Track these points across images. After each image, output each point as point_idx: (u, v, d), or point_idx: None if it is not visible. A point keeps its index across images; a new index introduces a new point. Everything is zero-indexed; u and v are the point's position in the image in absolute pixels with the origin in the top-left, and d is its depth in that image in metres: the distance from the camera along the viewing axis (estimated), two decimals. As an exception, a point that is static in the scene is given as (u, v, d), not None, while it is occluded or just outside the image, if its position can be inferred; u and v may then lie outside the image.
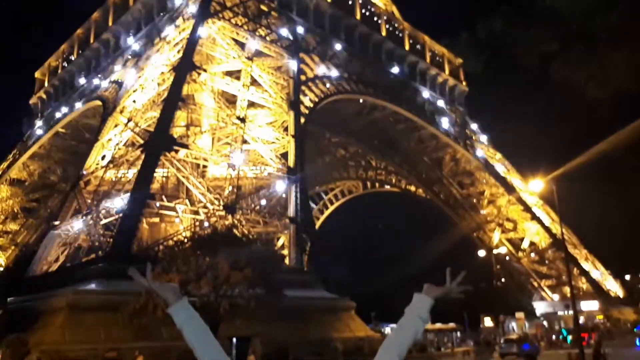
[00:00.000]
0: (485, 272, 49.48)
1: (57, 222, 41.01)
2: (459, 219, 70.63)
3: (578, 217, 57.88)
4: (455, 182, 70.58)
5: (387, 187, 77.37)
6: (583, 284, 66.03)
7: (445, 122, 66.59)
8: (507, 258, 68.03)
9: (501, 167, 70.73)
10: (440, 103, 69.08)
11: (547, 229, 66.56)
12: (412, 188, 74.07)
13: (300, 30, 53.41)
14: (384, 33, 63.22)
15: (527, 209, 67.45)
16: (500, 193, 67.88)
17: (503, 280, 64.35)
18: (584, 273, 67.31)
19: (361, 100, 59.42)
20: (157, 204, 42.36)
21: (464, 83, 74.35)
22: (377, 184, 78.34)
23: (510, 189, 67.71)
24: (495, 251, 56.91)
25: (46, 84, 68.97)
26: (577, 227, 68.46)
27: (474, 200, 70.59)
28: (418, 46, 68.42)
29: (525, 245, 68.87)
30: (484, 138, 72.73)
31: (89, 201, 39.67)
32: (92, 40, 61.39)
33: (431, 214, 73.63)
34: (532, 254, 68.57)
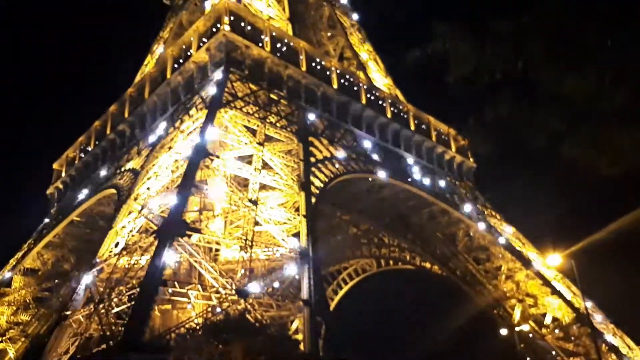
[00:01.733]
0: (509, 351, 47.30)
1: (68, 312, 40.55)
2: (477, 296, 68.68)
3: (601, 290, 56.12)
4: (470, 258, 69.48)
5: (402, 264, 76.25)
6: (613, 361, 62.56)
7: (455, 198, 66.88)
8: (531, 335, 65.20)
9: (515, 241, 69.85)
10: (450, 179, 69.79)
11: (569, 304, 64.32)
12: (427, 265, 72.90)
13: (309, 116, 55.53)
14: (389, 115, 65.44)
15: (547, 283, 65.66)
16: (518, 267, 66.45)
17: (528, 359, 61.25)
18: (613, 349, 64.02)
19: (370, 179, 60.29)
20: (170, 290, 41.94)
21: (471, 159, 75.52)
22: (391, 262, 77.28)
23: (527, 263, 66.37)
24: (517, 328, 54.70)
25: (63, 174, 71.12)
26: (600, 300, 66.12)
27: (491, 276, 69.04)
28: (423, 126, 70.43)
29: (547, 321, 66.27)
30: (495, 212, 72.53)
31: (102, 289, 39.44)
32: (108, 131, 64.09)
33: (448, 290, 71.86)
34: (557, 330, 65.70)
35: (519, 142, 9.23)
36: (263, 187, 47.24)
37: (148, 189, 46.54)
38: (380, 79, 74.37)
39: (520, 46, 8.25)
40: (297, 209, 47.41)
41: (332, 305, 76.70)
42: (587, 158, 8.87)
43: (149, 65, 69.15)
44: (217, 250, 48.31)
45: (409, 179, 62.07)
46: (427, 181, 64.77)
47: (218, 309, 37.88)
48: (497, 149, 9.64)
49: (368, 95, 64.49)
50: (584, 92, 8.08)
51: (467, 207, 67.45)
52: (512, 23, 8.20)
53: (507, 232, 70.30)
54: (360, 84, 64.67)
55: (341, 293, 79.34)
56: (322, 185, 50.36)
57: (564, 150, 8.89)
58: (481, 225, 66.60)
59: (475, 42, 8.37)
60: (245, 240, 41.34)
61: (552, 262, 24.38)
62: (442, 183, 67.21)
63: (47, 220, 67.20)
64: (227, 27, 51.97)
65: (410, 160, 65.38)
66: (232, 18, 53.13)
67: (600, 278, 50.48)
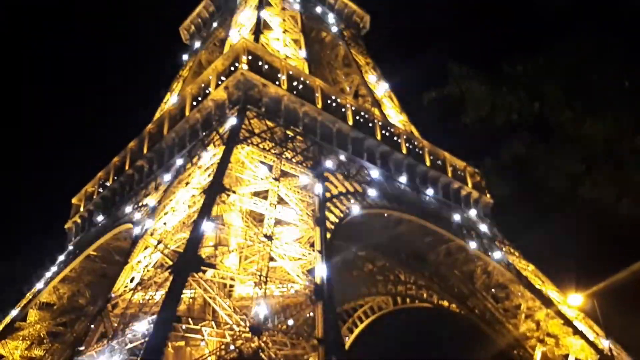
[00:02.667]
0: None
1: (82, 348, 40.33)
2: (496, 335, 66.78)
3: (625, 331, 54.10)
4: (489, 296, 67.93)
5: (419, 302, 74.79)
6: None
7: (473, 235, 66.01)
8: (554, 378, 62.82)
9: (535, 278, 68.28)
10: (466, 216, 69.10)
11: (593, 344, 62.09)
12: (445, 303, 71.39)
13: (324, 151, 55.99)
14: (404, 151, 65.62)
15: (568, 323, 63.66)
16: (538, 306, 64.67)
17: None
18: (642, 394, 61.23)
19: (386, 215, 59.99)
20: (183, 327, 41.59)
21: (488, 195, 74.90)
22: (407, 300, 75.90)
23: (547, 301, 64.62)
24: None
25: (82, 209, 72.12)
26: (624, 341, 63.70)
27: (511, 315, 67.23)
28: (439, 162, 70.36)
29: (571, 363, 63.89)
30: (514, 250, 71.27)
31: (116, 325, 39.29)
32: (127, 167, 65.21)
33: (467, 329, 70.01)
34: (580, 373, 63.27)
35: (537, 182, 9.19)
36: (278, 222, 47.25)
37: (164, 223, 46.86)
38: (395, 116, 74.97)
39: (536, 88, 8.31)
40: (312, 245, 47.15)
41: (348, 344, 75.08)
42: (608, 198, 8.77)
43: (168, 103, 70.84)
44: (231, 286, 48.05)
45: (425, 215, 61.59)
46: (443, 217, 64.20)
47: (231, 347, 37.36)
48: (515, 189, 9.59)
49: (383, 132, 64.92)
50: (602, 135, 8.08)
51: (485, 244, 66.43)
52: (528, 64, 8.30)
53: (527, 269, 68.83)
54: (375, 120, 65.25)
55: (357, 331, 77.79)
56: (337, 220, 50.20)
57: (583, 190, 8.81)
58: (500, 263, 65.38)
59: (491, 83, 8.46)
60: (260, 276, 41.09)
61: (573, 301, 23.73)
62: (459, 219, 66.53)
63: (64, 254, 67.80)
64: (245, 66, 53.25)
65: (426, 196, 65.06)
66: (250, 57, 54.52)
67: (624, 319, 48.81)
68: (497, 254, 66.68)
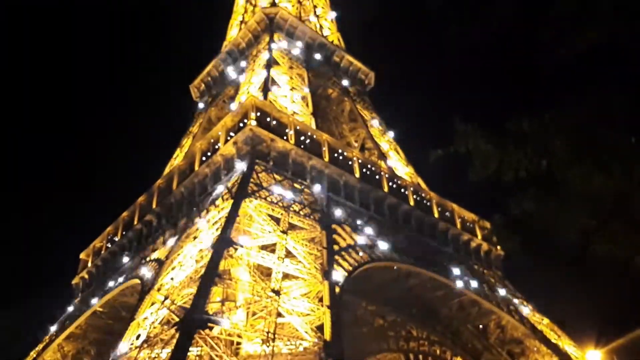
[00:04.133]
0: None
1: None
2: (514, 395, 63.91)
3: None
4: (504, 352, 65.55)
5: (431, 359, 72.18)
6: None
7: (485, 287, 64.62)
8: None
9: (551, 333, 66.08)
10: (477, 268, 67.95)
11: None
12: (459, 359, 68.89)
13: (331, 204, 56.05)
14: (412, 203, 65.53)
15: (589, 380, 60.90)
16: (555, 363, 62.23)
17: None
18: None
19: (395, 268, 59.09)
20: (189, 387, 40.26)
21: (498, 247, 73.87)
22: (420, 356, 73.25)
23: (565, 357, 62.22)
24: None
25: (89, 264, 71.80)
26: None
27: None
28: (447, 213, 70.01)
29: None
30: (527, 303, 69.46)
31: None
32: (135, 222, 65.39)
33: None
34: None
35: (548, 238, 9.11)
36: (286, 276, 46.67)
37: (172, 279, 46.42)
38: (402, 168, 75.44)
39: (543, 145, 8.41)
40: (321, 299, 46.26)
41: (358, 403, 71.96)
42: (621, 254, 8.65)
43: (177, 158, 71.94)
44: (238, 343, 46.85)
45: (435, 268, 60.65)
46: (454, 270, 63.15)
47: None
48: (526, 244, 9.50)
49: (390, 184, 65.14)
50: (612, 191, 8.08)
51: (498, 297, 64.88)
52: (534, 122, 8.42)
53: (541, 323, 66.76)
54: (382, 173, 65.63)
55: (368, 390, 74.68)
56: (346, 274, 49.47)
57: (596, 247, 8.71)
58: (513, 317, 63.56)
59: (497, 141, 8.58)
60: (268, 333, 40.16)
61: (592, 358, 22.86)
62: (469, 272, 65.36)
63: (70, 310, 66.89)
64: (253, 122, 54.40)
65: (435, 248, 64.32)
66: (258, 114, 55.80)
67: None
68: (511, 308, 64.94)
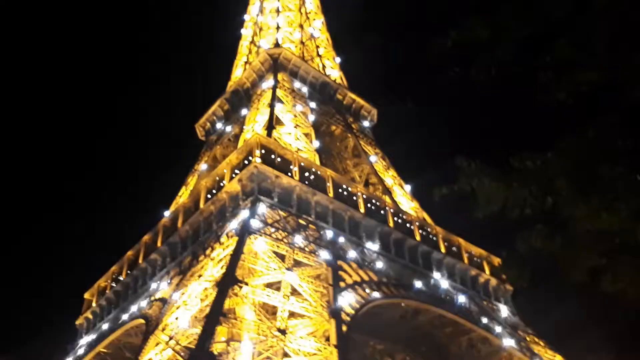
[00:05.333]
0: None
1: None
2: None
3: None
4: (517, 390, 63.58)
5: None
6: None
7: (494, 324, 63.32)
8: None
9: (565, 370, 64.24)
10: (486, 304, 66.81)
11: None
12: (470, 399, 66.80)
13: (337, 239, 55.78)
14: (418, 238, 65.10)
15: (607, 420, 58.78)
16: (570, 402, 60.27)
17: None
18: None
19: (403, 304, 58.19)
20: None
21: (507, 284, 72.82)
22: (430, 397, 71.22)
23: (580, 396, 60.25)
24: None
25: (93, 304, 71.09)
26: None
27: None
28: (454, 248, 69.41)
29: None
30: (538, 339, 67.82)
31: None
32: (140, 261, 65.10)
33: None
34: None
35: (556, 274, 9.04)
36: (292, 314, 46.00)
37: (176, 318, 45.86)
38: (407, 203, 75.33)
39: (547, 183, 8.45)
40: (328, 338, 45.42)
41: None
42: (632, 292, 8.56)
43: (183, 196, 72.22)
44: (244, 385, 45.75)
45: (444, 304, 59.68)
46: (462, 306, 62.12)
47: None
48: (534, 280, 9.42)
49: (395, 219, 64.90)
50: (620, 228, 8.06)
51: (508, 335, 63.45)
52: (537, 160, 8.49)
53: (554, 360, 65.00)
54: (387, 208, 65.50)
55: None
56: (353, 311, 48.74)
57: (605, 284, 8.63)
58: (525, 353, 61.95)
59: (501, 178, 8.63)
60: (274, 374, 39.38)
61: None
62: (478, 308, 64.23)
63: (73, 352, 65.79)
64: (258, 159, 54.86)
65: (443, 283, 63.46)
66: (263, 151, 56.33)
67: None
68: (522, 344, 63.41)
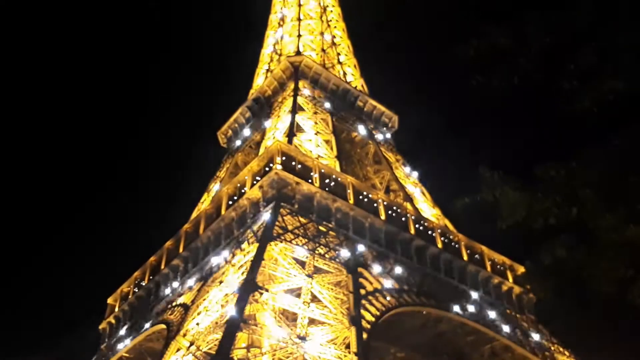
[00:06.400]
0: None
1: None
2: None
3: None
4: (541, 402, 62.25)
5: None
6: None
7: (517, 333, 62.21)
8: None
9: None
10: (509, 312, 65.70)
11: None
12: (493, 410, 65.62)
13: (357, 246, 55.61)
14: (439, 245, 64.45)
15: None
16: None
17: None
18: None
19: (424, 312, 57.62)
20: None
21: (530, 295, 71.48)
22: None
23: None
24: None
25: (116, 309, 72.13)
26: None
27: None
28: (477, 256, 68.49)
29: None
30: (563, 349, 66.34)
31: None
32: (162, 266, 65.89)
33: None
34: None
35: (582, 286, 8.89)
36: (312, 321, 45.96)
37: (197, 324, 46.25)
38: (428, 209, 74.71)
39: (572, 193, 8.34)
40: (348, 346, 45.21)
41: None
42: (660, 304, 8.37)
43: (205, 203, 72.96)
44: (265, 392, 45.83)
45: (466, 312, 58.89)
46: (485, 314, 61.20)
47: None
48: (559, 291, 9.27)
49: (416, 226, 64.42)
50: None
51: (532, 343, 62.27)
52: (561, 170, 8.39)
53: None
54: (408, 215, 65.06)
55: None
56: (373, 319, 48.46)
57: (632, 296, 8.46)
58: (550, 364, 60.69)
59: (524, 188, 8.56)
60: (294, 381, 39.34)
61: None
62: (501, 316, 63.21)
63: (96, 357, 66.82)
64: (279, 166, 55.17)
65: (465, 291, 62.65)
66: (283, 158, 56.64)
67: None
68: (546, 354, 62.14)
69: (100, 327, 73.04)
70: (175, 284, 61.07)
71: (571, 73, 8.56)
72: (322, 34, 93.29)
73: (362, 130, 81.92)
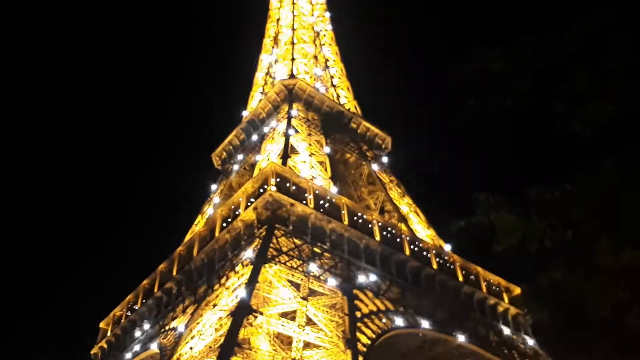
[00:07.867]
0: None
1: None
2: None
3: None
4: None
5: None
6: None
7: (515, 355, 61.57)
8: None
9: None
10: (506, 332, 65.18)
11: None
12: None
13: (352, 268, 55.27)
14: (435, 266, 64.20)
15: None
16: None
17: None
18: None
19: (421, 334, 57.03)
20: None
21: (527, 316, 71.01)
22: None
23: None
24: None
25: (109, 334, 70.90)
26: None
27: None
28: (472, 277, 68.23)
29: None
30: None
31: None
32: (156, 290, 65.05)
33: None
34: None
35: (579, 309, 8.83)
36: (307, 345, 45.36)
37: (191, 348, 45.53)
38: (423, 230, 74.62)
39: (567, 215, 8.34)
40: (344, 370, 44.59)
41: None
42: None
43: (199, 225, 72.52)
44: (259, 417, 44.90)
45: (462, 334, 58.30)
46: (482, 336, 60.61)
47: None
48: (555, 314, 9.19)
49: (411, 247, 64.22)
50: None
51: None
52: (556, 192, 8.40)
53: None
54: (403, 235, 64.92)
55: None
56: (369, 342, 47.89)
57: (630, 319, 8.39)
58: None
59: (520, 211, 8.56)
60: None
61: None
62: (497, 338, 62.63)
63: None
64: (273, 188, 55.09)
65: (462, 313, 62.16)
66: (278, 179, 56.61)
67: None
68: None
69: (92, 352, 71.67)
70: (169, 308, 60.21)
71: (564, 95, 8.66)
72: (315, 57, 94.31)
73: (355, 152, 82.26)
